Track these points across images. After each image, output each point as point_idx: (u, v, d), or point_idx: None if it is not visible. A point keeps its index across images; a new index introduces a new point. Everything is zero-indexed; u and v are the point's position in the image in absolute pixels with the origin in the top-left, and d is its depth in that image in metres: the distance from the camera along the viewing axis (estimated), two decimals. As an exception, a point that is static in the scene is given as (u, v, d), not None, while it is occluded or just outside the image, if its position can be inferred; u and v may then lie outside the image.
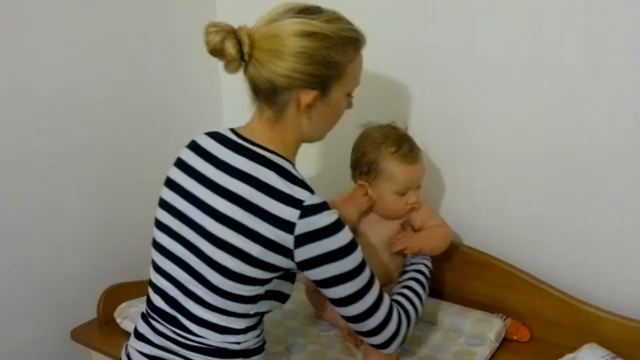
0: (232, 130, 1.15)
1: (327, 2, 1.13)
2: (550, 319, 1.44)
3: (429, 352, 1.37)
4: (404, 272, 1.36)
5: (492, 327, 1.41)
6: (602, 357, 1.29)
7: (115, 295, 1.57)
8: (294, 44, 1.02)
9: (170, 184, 1.16)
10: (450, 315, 1.47)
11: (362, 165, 1.34)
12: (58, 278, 1.57)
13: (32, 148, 1.47)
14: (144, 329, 1.17)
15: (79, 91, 1.53)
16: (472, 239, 1.56)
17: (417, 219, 1.41)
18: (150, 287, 1.19)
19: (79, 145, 1.56)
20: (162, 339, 1.13)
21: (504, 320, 1.46)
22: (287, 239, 1.03)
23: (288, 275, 1.12)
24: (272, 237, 1.03)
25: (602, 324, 1.36)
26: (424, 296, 1.28)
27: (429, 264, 1.38)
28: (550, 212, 1.45)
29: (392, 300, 1.17)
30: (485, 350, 1.37)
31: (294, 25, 1.03)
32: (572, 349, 1.34)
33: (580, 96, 1.34)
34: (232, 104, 1.88)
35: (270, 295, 1.11)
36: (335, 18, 1.08)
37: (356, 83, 1.15)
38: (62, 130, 1.52)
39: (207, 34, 1.04)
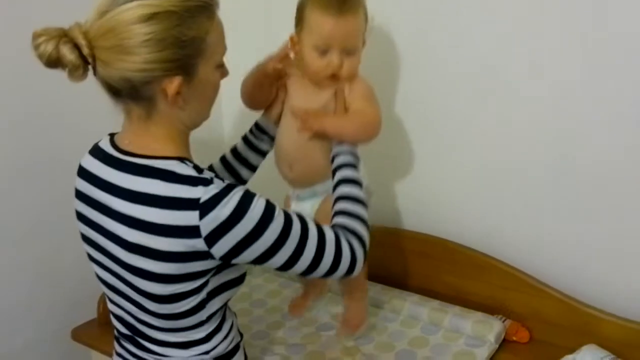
0: (112, 141, 1.05)
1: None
2: (550, 320, 1.44)
3: (430, 353, 1.38)
4: (333, 170, 1.19)
5: (491, 329, 1.42)
6: (601, 358, 1.29)
7: (116, 295, 1.57)
8: (137, 33, 0.89)
9: (80, 217, 1.07)
10: (450, 316, 1.47)
11: (296, 14, 1.21)
12: (58, 278, 1.57)
13: (32, 148, 1.47)
14: (120, 350, 1.15)
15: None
16: (472, 240, 1.56)
17: (349, 95, 1.22)
18: (110, 313, 1.15)
19: (81, 146, 1.56)
20: (136, 359, 1.11)
21: (503, 321, 1.47)
22: (198, 244, 0.93)
23: (225, 265, 1.02)
24: (182, 249, 0.94)
25: (602, 325, 1.37)
26: (361, 194, 1.15)
27: (354, 150, 1.21)
28: (549, 213, 1.46)
29: (335, 225, 1.08)
30: (485, 351, 1.37)
31: (130, 11, 0.89)
32: (572, 350, 1.34)
33: (581, 98, 1.34)
34: (232, 105, 1.88)
35: (216, 291, 1.03)
36: None
37: (222, 52, 1.01)
38: (63, 130, 1.52)
39: (36, 46, 0.90)
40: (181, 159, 0.98)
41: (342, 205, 1.12)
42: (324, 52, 1.18)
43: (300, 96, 1.25)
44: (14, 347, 1.51)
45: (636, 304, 1.37)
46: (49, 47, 0.90)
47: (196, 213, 0.92)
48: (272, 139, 1.34)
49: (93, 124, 1.58)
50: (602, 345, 1.34)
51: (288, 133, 1.26)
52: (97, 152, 1.06)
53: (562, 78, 1.36)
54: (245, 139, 1.36)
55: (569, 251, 1.45)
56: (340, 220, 1.10)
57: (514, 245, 1.52)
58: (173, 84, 0.94)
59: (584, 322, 1.39)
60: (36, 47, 0.90)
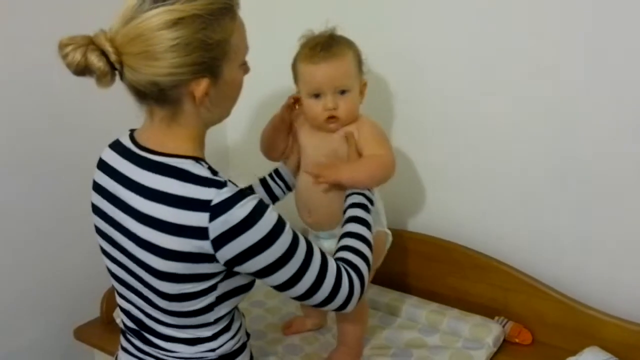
0: (131, 137, 1.06)
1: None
2: (552, 322, 1.42)
3: (426, 354, 1.36)
4: (345, 209, 1.21)
5: (490, 332, 1.40)
6: (603, 360, 1.27)
7: (119, 294, 1.58)
8: (164, 38, 0.90)
9: (95, 210, 1.08)
10: (449, 319, 1.46)
11: (292, 71, 1.29)
12: (61, 277, 1.59)
13: (36, 148, 1.49)
14: (126, 344, 1.16)
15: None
16: (474, 242, 1.55)
17: (358, 139, 1.26)
18: (119, 307, 1.16)
19: (85, 146, 1.58)
20: (142, 354, 1.12)
21: (504, 325, 1.45)
22: (204, 246, 0.94)
23: (232, 271, 1.01)
24: (190, 250, 0.94)
25: (604, 327, 1.35)
26: (368, 234, 1.15)
27: (368, 193, 1.22)
28: (551, 214, 1.44)
29: (338, 259, 1.08)
30: (483, 354, 1.36)
31: (155, 17, 0.90)
32: (574, 352, 1.32)
33: (581, 99, 1.33)
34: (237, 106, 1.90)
35: (226, 297, 1.04)
36: None
37: (245, 51, 1.03)
38: (67, 130, 1.54)
39: (64, 54, 0.91)
40: (197, 159, 1.00)
41: (348, 241, 1.13)
42: (317, 96, 1.23)
43: (311, 144, 1.30)
44: (17, 346, 1.53)
45: (639, 306, 1.35)
46: (77, 56, 0.91)
47: (206, 215, 0.92)
48: (287, 187, 1.39)
49: (97, 124, 1.61)
50: (605, 347, 1.32)
51: (306, 182, 1.29)
52: (116, 145, 1.07)
53: (562, 78, 1.35)
54: (262, 179, 1.40)
55: (571, 252, 1.43)
56: (345, 254, 1.10)
57: (515, 246, 1.50)
58: (201, 86, 0.95)
59: (586, 324, 1.37)
60: (64, 56, 0.91)
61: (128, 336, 1.16)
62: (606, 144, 1.32)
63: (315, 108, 1.24)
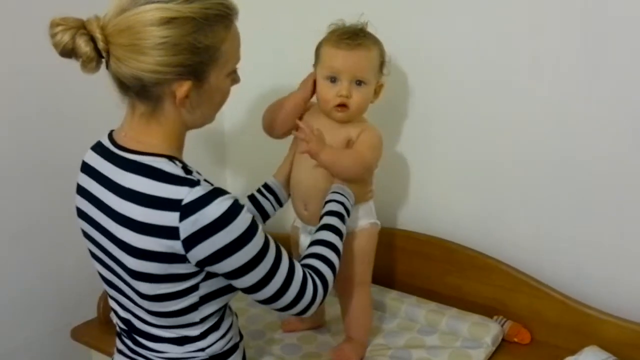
0: (110, 136, 1.06)
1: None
2: (551, 321, 1.42)
3: (425, 354, 1.36)
4: (321, 215, 1.20)
5: (489, 331, 1.40)
6: (603, 359, 1.27)
7: (116, 295, 1.58)
8: (153, 35, 0.90)
9: (80, 214, 1.08)
10: (447, 318, 1.45)
11: (314, 54, 1.30)
12: (59, 277, 1.59)
13: (34, 146, 1.49)
14: (121, 346, 1.16)
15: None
16: (473, 242, 1.54)
17: (356, 142, 1.28)
18: (111, 309, 1.16)
19: (83, 144, 1.57)
20: (135, 355, 1.11)
21: (503, 324, 1.45)
22: (175, 246, 0.92)
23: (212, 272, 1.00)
24: (162, 250, 0.93)
25: (603, 326, 1.35)
26: (340, 244, 1.16)
27: (348, 204, 1.23)
28: (551, 214, 1.44)
29: (306, 265, 1.08)
30: (482, 353, 1.35)
31: (149, 12, 0.90)
32: (573, 351, 1.32)
33: (581, 98, 1.33)
34: (235, 101, 1.89)
35: (210, 297, 1.02)
36: None
37: (236, 60, 1.03)
38: (65, 128, 1.54)
39: (53, 34, 0.91)
40: (171, 158, 0.98)
41: (319, 249, 1.12)
42: (334, 81, 1.24)
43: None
44: (14, 346, 1.52)
45: (638, 305, 1.35)
46: (65, 38, 0.90)
47: (177, 214, 0.91)
48: (278, 201, 1.38)
49: (95, 122, 1.59)
50: (604, 346, 1.32)
51: (303, 173, 1.30)
52: (97, 146, 1.07)
53: (562, 78, 1.35)
54: (251, 196, 1.38)
55: (570, 252, 1.43)
56: (314, 262, 1.10)
57: (515, 245, 1.50)
58: (183, 88, 0.95)
59: (586, 323, 1.37)
60: (52, 35, 0.91)
61: (122, 338, 1.15)
62: (606, 144, 1.32)
63: (329, 92, 1.25)
